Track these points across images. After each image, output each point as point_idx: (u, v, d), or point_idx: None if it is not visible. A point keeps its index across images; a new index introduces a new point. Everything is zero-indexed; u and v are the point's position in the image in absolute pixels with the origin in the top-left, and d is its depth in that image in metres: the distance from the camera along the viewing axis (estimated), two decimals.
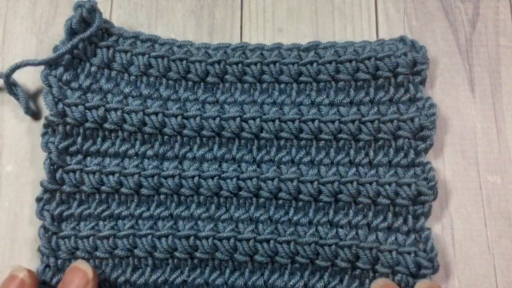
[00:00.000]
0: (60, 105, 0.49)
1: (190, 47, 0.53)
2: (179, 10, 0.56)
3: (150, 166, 0.50)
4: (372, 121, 0.50)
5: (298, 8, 0.56)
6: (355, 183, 0.49)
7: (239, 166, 0.50)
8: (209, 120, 0.50)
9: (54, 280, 0.48)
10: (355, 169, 0.50)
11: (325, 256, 0.48)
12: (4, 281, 0.45)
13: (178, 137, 0.51)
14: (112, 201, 0.50)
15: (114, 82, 0.51)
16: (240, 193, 0.50)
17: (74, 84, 0.50)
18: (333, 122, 0.50)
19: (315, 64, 0.51)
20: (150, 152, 0.50)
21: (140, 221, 0.50)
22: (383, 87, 0.51)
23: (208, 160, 0.50)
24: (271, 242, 0.48)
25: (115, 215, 0.50)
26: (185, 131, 0.50)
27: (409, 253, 0.48)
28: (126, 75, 0.52)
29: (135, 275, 0.49)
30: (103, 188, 0.49)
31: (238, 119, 0.50)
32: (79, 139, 0.50)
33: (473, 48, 0.55)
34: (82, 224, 0.50)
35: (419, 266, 0.47)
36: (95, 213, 0.50)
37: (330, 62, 0.51)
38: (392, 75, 0.51)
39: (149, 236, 0.48)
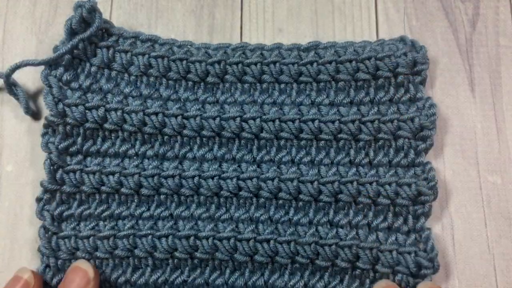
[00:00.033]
0: (60, 105, 0.49)
1: (190, 47, 0.53)
2: (179, 10, 0.56)
3: (150, 166, 0.50)
4: (372, 121, 0.50)
5: (298, 8, 0.56)
6: (355, 183, 0.49)
7: (239, 166, 0.50)
8: (209, 120, 0.50)
9: (54, 280, 0.48)
10: (355, 169, 0.50)
11: (325, 256, 0.48)
12: (9, 282, 0.46)
13: (178, 137, 0.51)
14: (112, 201, 0.50)
15: (114, 82, 0.51)
16: (240, 193, 0.50)
17: (74, 84, 0.50)
18: (333, 122, 0.50)
19: (315, 64, 0.51)
20: (150, 152, 0.50)
21: (140, 221, 0.50)
22: (383, 87, 0.51)
23: (208, 160, 0.50)
24: (271, 242, 0.48)
25: (115, 215, 0.50)
26: (185, 131, 0.50)
27: (409, 253, 0.48)
28: (126, 75, 0.52)
29: (135, 275, 0.49)
30: (103, 188, 0.49)
31: (238, 119, 0.50)
32: (79, 139, 0.50)
33: (473, 48, 0.55)
34: (82, 224, 0.50)
35: (420, 266, 0.47)
36: (95, 213, 0.50)
37: (330, 62, 0.51)
38: (392, 75, 0.51)
39: (149, 236, 0.48)
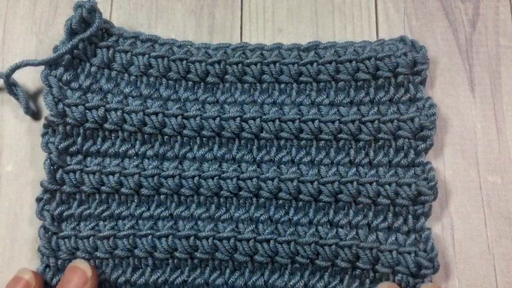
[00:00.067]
0: (60, 105, 0.49)
1: (190, 47, 0.53)
2: (179, 10, 0.56)
3: (150, 166, 0.50)
4: (372, 121, 0.50)
5: (298, 8, 0.56)
6: (355, 183, 0.49)
7: (239, 166, 0.50)
8: (209, 120, 0.50)
9: (54, 280, 0.48)
10: (355, 169, 0.50)
11: (325, 256, 0.48)
12: (10, 283, 0.46)
13: (178, 137, 0.51)
14: (112, 201, 0.50)
15: (114, 82, 0.51)
16: (240, 193, 0.50)
17: (74, 84, 0.50)
18: (333, 122, 0.50)
19: (315, 64, 0.51)
20: (150, 152, 0.50)
21: (140, 221, 0.50)
22: (383, 87, 0.51)
23: (208, 160, 0.50)
24: (271, 242, 0.48)
25: (115, 215, 0.50)
26: (185, 131, 0.50)
27: (409, 253, 0.48)
28: (126, 75, 0.52)
29: (135, 275, 0.49)
30: (103, 188, 0.49)
31: (238, 119, 0.50)
32: (79, 139, 0.50)
33: (473, 48, 0.55)
34: (82, 224, 0.50)
35: (420, 266, 0.47)
36: (95, 213, 0.50)
37: (330, 62, 0.51)
38: (392, 75, 0.51)
39: (149, 236, 0.48)
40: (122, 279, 0.49)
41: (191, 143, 0.51)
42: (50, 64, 0.50)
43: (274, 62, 0.51)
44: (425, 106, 0.50)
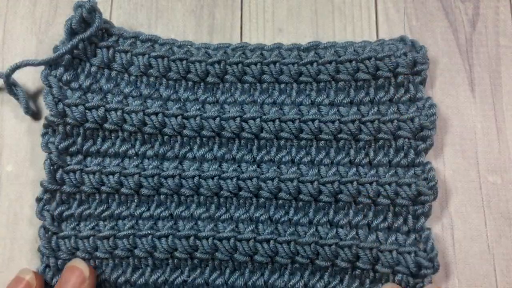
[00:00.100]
0: (60, 105, 0.49)
1: (190, 47, 0.53)
2: (179, 10, 0.56)
3: (150, 166, 0.50)
4: (372, 121, 0.50)
5: (298, 8, 0.56)
6: (355, 183, 0.49)
7: (239, 166, 0.50)
8: (209, 120, 0.50)
9: (54, 280, 0.48)
10: (355, 169, 0.50)
11: (325, 256, 0.48)
12: (11, 283, 0.46)
13: (178, 137, 0.51)
14: (112, 201, 0.50)
15: (114, 82, 0.51)
16: (240, 193, 0.50)
17: (74, 84, 0.50)
18: (333, 122, 0.50)
19: (315, 64, 0.51)
20: (150, 152, 0.50)
21: (140, 221, 0.50)
22: (383, 87, 0.51)
23: (208, 160, 0.50)
24: (271, 242, 0.48)
25: (115, 215, 0.50)
26: (185, 131, 0.50)
27: (409, 253, 0.48)
28: (126, 75, 0.52)
29: (135, 275, 0.49)
30: (103, 188, 0.49)
31: (238, 119, 0.50)
32: (79, 139, 0.50)
33: (473, 48, 0.55)
34: (82, 224, 0.50)
35: (420, 266, 0.47)
36: (95, 213, 0.50)
37: (330, 62, 0.51)
38: (392, 75, 0.51)
39: (149, 236, 0.48)
40: (122, 279, 0.49)
41: (191, 143, 0.51)
42: (50, 64, 0.50)
43: (274, 62, 0.51)
44: (425, 106, 0.50)
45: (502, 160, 0.53)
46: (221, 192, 0.50)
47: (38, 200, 0.49)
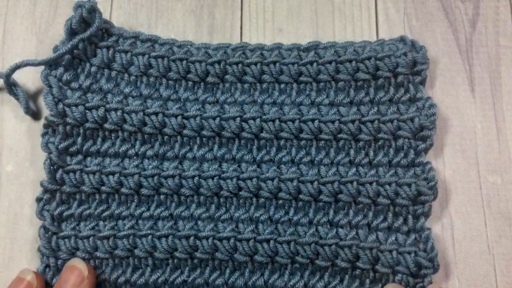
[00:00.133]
0: (60, 105, 0.49)
1: (190, 47, 0.53)
2: (179, 10, 0.56)
3: (150, 166, 0.50)
4: (372, 121, 0.50)
5: (298, 8, 0.56)
6: (355, 183, 0.49)
7: (239, 166, 0.50)
8: (209, 120, 0.50)
9: (54, 280, 0.48)
10: (355, 169, 0.50)
11: (325, 256, 0.48)
12: (12, 284, 0.46)
13: (178, 137, 0.51)
14: (112, 201, 0.50)
15: (114, 82, 0.51)
16: (240, 193, 0.50)
17: (74, 84, 0.50)
18: (333, 122, 0.50)
19: (315, 64, 0.51)
20: (150, 152, 0.50)
21: (140, 221, 0.50)
22: (383, 87, 0.51)
23: (208, 160, 0.50)
24: (271, 242, 0.48)
25: (115, 215, 0.50)
26: (185, 131, 0.50)
27: (409, 253, 0.48)
28: (126, 75, 0.52)
29: (135, 275, 0.49)
30: (103, 188, 0.49)
31: (238, 119, 0.50)
32: (79, 139, 0.50)
33: (473, 48, 0.55)
34: (82, 224, 0.50)
35: (420, 266, 0.47)
36: (95, 213, 0.50)
37: (330, 62, 0.51)
38: (392, 75, 0.51)
39: (149, 236, 0.48)
40: (122, 279, 0.49)
41: (191, 143, 0.51)
42: (50, 64, 0.50)
43: (274, 62, 0.51)
44: (425, 106, 0.50)
45: (502, 160, 0.53)
46: (221, 192, 0.50)
47: (38, 200, 0.49)
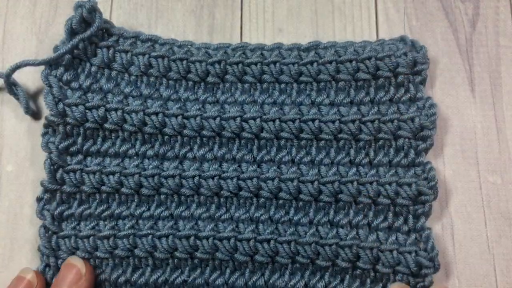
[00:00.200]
0: (61, 105, 0.49)
1: (190, 47, 0.53)
2: (179, 10, 0.56)
3: (151, 166, 0.50)
4: (372, 121, 0.50)
5: (298, 8, 0.56)
6: (355, 183, 0.49)
7: (239, 166, 0.50)
8: (209, 120, 0.50)
9: (54, 279, 0.48)
10: (355, 169, 0.50)
11: (325, 256, 0.48)
12: (12, 283, 0.46)
13: (179, 137, 0.51)
14: (113, 201, 0.50)
15: (114, 82, 0.51)
16: (241, 193, 0.50)
17: (74, 84, 0.50)
18: (333, 122, 0.50)
19: (315, 64, 0.51)
20: (150, 152, 0.50)
21: (140, 221, 0.50)
22: (383, 87, 0.51)
23: (208, 160, 0.50)
24: (272, 242, 0.48)
25: (116, 215, 0.50)
26: (185, 131, 0.50)
27: (409, 252, 0.48)
28: (126, 75, 0.52)
29: (135, 275, 0.49)
30: (103, 188, 0.49)
31: (238, 119, 0.50)
32: (80, 139, 0.50)
33: (473, 48, 0.55)
34: (82, 224, 0.50)
35: (420, 266, 0.47)
36: (96, 213, 0.50)
37: (330, 62, 0.51)
38: (392, 75, 0.51)
39: (150, 236, 0.48)
40: (122, 279, 0.49)
41: (191, 143, 0.51)
42: (50, 64, 0.50)
43: (274, 62, 0.51)
44: (425, 106, 0.50)
45: (502, 160, 0.53)
46: (221, 192, 0.50)
47: (38, 199, 0.49)
